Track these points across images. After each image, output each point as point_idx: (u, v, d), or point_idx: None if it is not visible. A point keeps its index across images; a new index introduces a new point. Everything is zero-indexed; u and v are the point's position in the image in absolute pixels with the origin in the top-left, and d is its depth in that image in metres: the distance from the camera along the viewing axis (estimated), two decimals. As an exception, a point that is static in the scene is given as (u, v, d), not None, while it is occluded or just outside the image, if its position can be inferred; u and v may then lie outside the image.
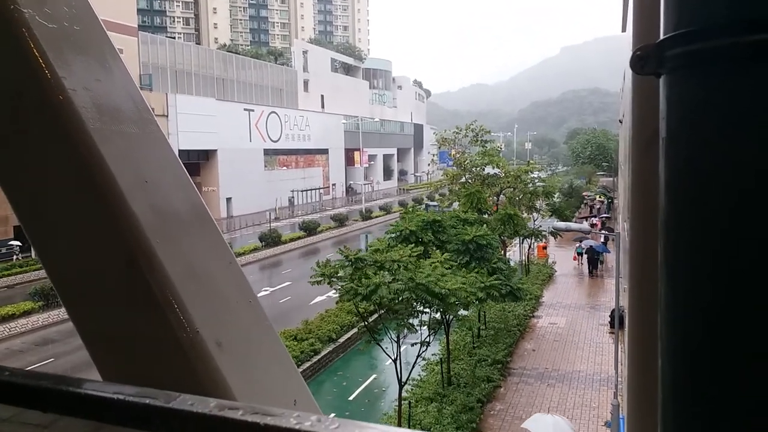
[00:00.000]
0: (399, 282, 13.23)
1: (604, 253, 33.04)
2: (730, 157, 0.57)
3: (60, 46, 1.13)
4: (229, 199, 58.07)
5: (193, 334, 1.07)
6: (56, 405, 0.76)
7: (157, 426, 0.69)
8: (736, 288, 0.56)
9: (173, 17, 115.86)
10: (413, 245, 16.02)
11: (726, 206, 0.57)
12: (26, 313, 24.66)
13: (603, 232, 32.90)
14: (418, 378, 17.37)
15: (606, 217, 46.43)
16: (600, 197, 57.15)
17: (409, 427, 14.19)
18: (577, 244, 33.69)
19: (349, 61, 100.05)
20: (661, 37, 0.63)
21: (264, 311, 1.28)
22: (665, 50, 0.62)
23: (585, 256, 33.08)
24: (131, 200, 1.09)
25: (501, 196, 32.34)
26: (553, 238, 31.32)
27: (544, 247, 35.31)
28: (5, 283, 30.92)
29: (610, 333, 21.67)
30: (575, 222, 38.22)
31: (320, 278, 13.87)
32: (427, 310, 14.67)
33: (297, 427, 0.61)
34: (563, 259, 35.28)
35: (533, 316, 24.62)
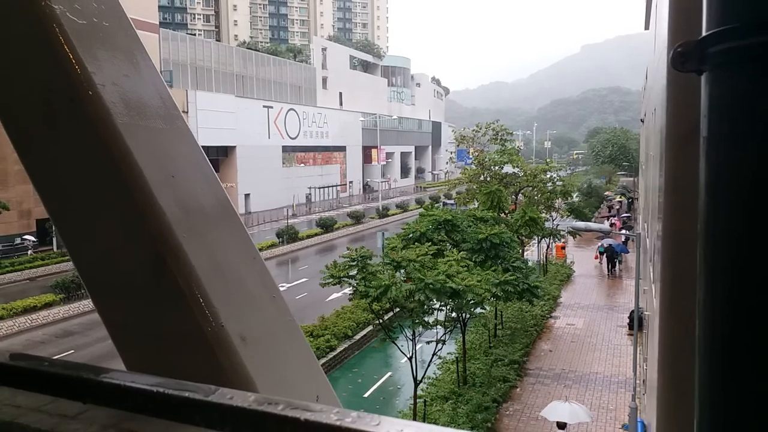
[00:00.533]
0: (410, 283, 13.23)
1: (622, 253, 32.90)
2: None
3: (89, 41, 1.15)
4: (247, 195, 58.47)
5: (218, 328, 1.07)
6: (95, 395, 0.77)
7: (196, 419, 0.68)
8: None
9: (194, 14, 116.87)
10: (428, 244, 15.95)
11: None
12: (48, 305, 25.09)
13: (623, 232, 32.60)
14: (434, 376, 17.34)
15: (627, 217, 46.07)
16: (620, 197, 56.57)
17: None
18: (599, 243, 33.46)
19: (368, 58, 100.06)
20: (704, 33, 0.62)
21: (287, 306, 1.29)
22: (708, 47, 0.61)
23: (605, 255, 32.87)
24: (158, 195, 1.10)
25: (519, 195, 32.12)
26: (572, 238, 31.04)
27: (563, 247, 35.02)
28: (27, 276, 31.48)
29: (628, 335, 21.42)
30: (595, 222, 37.92)
31: (330, 280, 13.81)
32: (443, 307, 14.62)
33: (338, 423, 0.60)
34: (582, 259, 34.94)
35: (551, 317, 24.43)
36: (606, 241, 32.00)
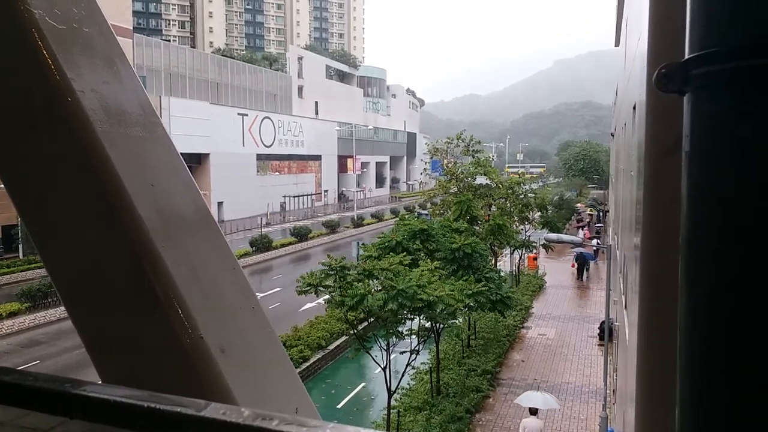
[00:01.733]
0: (382, 291, 13.22)
1: (590, 261, 34.55)
2: (752, 178, 0.57)
3: (69, 47, 1.13)
4: (220, 204, 57.83)
5: (197, 339, 1.06)
6: (84, 411, 0.75)
7: None
8: (756, 303, 0.56)
9: (169, 20, 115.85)
10: (403, 254, 15.96)
11: (749, 223, 0.57)
12: (12, 314, 24.38)
13: (595, 242, 33.52)
14: (408, 387, 17.31)
15: (599, 227, 47.41)
16: (590, 210, 57.67)
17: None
18: (575, 252, 34.61)
19: (344, 68, 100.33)
20: (687, 55, 0.63)
21: (266, 318, 1.28)
22: (691, 69, 0.62)
23: (577, 262, 34.35)
24: (137, 203, 1.09)
25: (492, 207, 32.41)
26: (544, 250, 31.47)
27: (535, 258, 35.50)
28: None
29: (598, 345, 21.71)
30: (566, 233, 38.71)
31: (306, 288, 13.71)
32: (416, 318, 14.62)
33: None
34: (554, 270, 35.42)
35: (523, 327, 24.64)
36: (577, 250, 32.96)
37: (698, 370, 0.61)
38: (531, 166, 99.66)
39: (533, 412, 14.13)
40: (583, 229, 47.28)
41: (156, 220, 1.12)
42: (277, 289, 30.29)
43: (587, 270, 34.45)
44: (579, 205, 60.98)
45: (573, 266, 35.52)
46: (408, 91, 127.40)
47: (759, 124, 0.56)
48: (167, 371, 1.09)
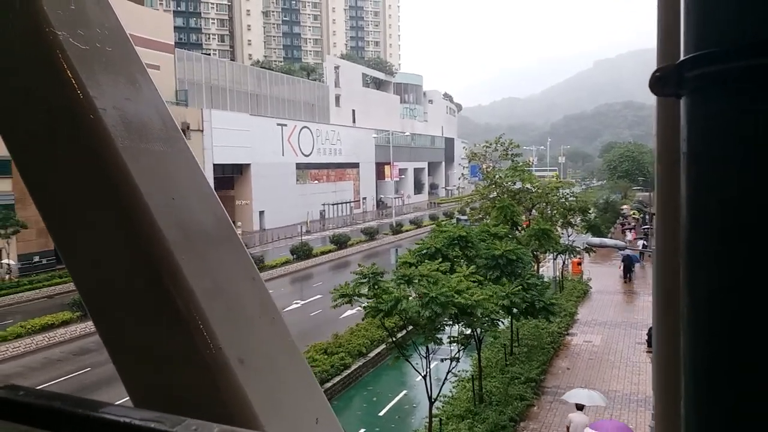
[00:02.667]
0: (417, 299, 13.16)
1: (635, 262, 34.40)
2: (753, 177, 0.57)
3: (92, 66, 1.16)
4: (261, 213, 58.87)
5: (215, 350, 1.07)
6: (71, 427, 0.77)
7: None
8: (757, 303, 0.56)
9: (208, 34, 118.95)
10: (440, 261, 15.86)
11: (746, 224, 0.57)
12: (65, 323, 25.31)
13: (641, 244, 32.91)
14: (449, 395, 17.15)
15: (647, 229, 46.47)
16: (634, 213, 56.25)
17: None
18: (621, 255, 34.35)
19: (380, 75, 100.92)
20: (682, 58, 0.63)
21: (287, 328, 1.28)
22: (685, 71, 0.62)
23: (623, 264, 34.14)
24: (158, 217, 1.10)
25: (533, 211, 31.95)
26: (587, 254, 30.84)
27: (579, 263, 34.79)
28: (45, 294, 31.84)
29: (647, 352, 21.08)
30: (611, 236, 38.04)
31: (340, 299, 13.70)
32: (455, 324, 14.48)
33: None
34: (599, 275, 34.62)
35: (567, 334, 24.12)
36: (622, 253, 32.57)
37: (700, 370, 0.62)
38: (539, 169, 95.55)
39: (579, 407, 14.24)
40: (630, 231, 46.73)
41: (176, 233, 1.13)
42: (318, 296, 30.50)
43: (633, 271, 34.14)
44: (624, 207, 59.64)
45: (620, 268, 35.10)
46: (445, 96, 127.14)
47: (758, 122, 0.56)
48: (187, 383, 1.10)
